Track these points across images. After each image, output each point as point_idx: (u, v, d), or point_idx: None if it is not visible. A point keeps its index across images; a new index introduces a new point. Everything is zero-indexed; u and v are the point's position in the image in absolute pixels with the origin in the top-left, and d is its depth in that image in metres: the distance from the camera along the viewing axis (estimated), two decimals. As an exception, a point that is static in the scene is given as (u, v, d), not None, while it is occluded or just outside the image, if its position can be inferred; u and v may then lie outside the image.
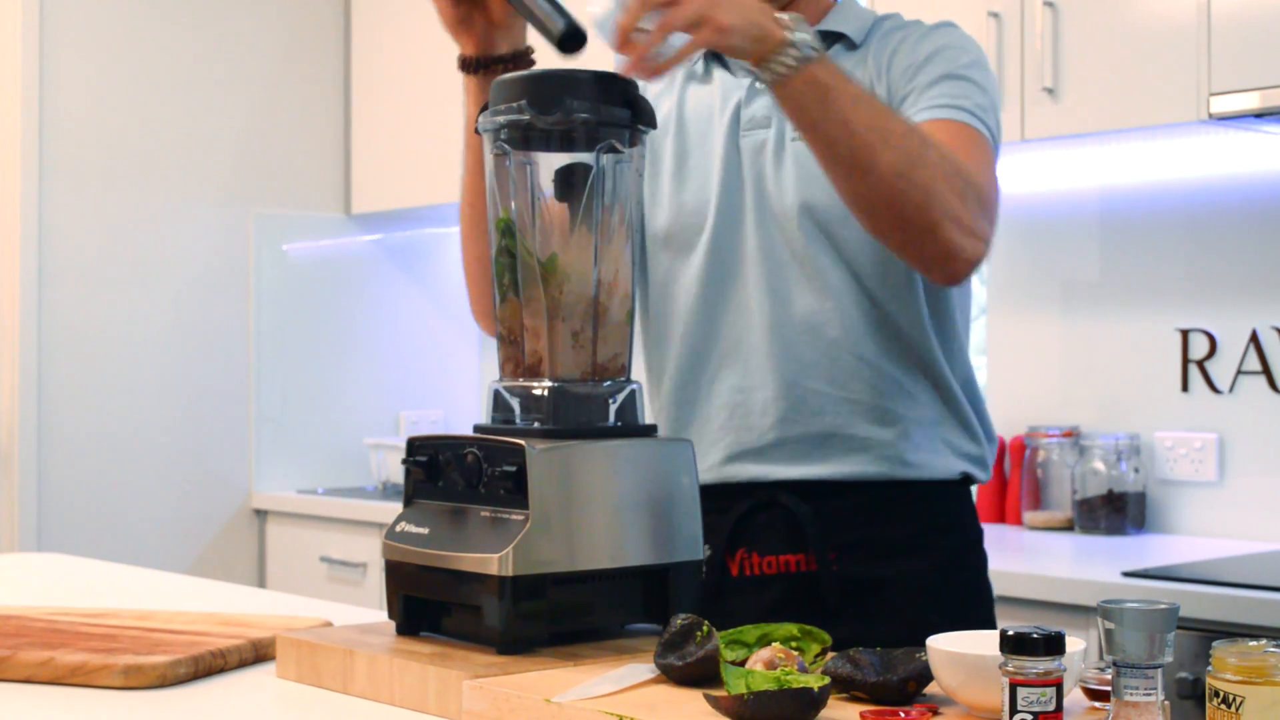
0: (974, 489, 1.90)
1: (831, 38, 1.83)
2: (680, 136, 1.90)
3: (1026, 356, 3.44)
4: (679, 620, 1.37)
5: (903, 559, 1.79)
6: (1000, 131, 1.79)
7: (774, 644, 1.37)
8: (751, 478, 1.81)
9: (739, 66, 1.88)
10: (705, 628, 1.35)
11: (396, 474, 4.18)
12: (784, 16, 1.55)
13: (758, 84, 1.80)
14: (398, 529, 1.58)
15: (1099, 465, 3.18)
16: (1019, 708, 1.11)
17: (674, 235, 1.88)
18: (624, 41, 1.50)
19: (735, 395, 1.83)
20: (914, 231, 1.61)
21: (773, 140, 1.82)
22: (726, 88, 1.89)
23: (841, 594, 1.77)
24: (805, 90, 1.55)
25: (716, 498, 1.80)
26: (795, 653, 1.35)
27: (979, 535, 1.88)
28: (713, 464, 1.84)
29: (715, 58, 1.92)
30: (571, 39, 1.57)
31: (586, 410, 1.55)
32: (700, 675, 1.32)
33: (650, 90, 1.95)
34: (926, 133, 1.64)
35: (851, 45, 1.84)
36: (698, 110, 1.90)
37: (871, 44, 1.83)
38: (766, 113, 1.83)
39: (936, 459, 1.81)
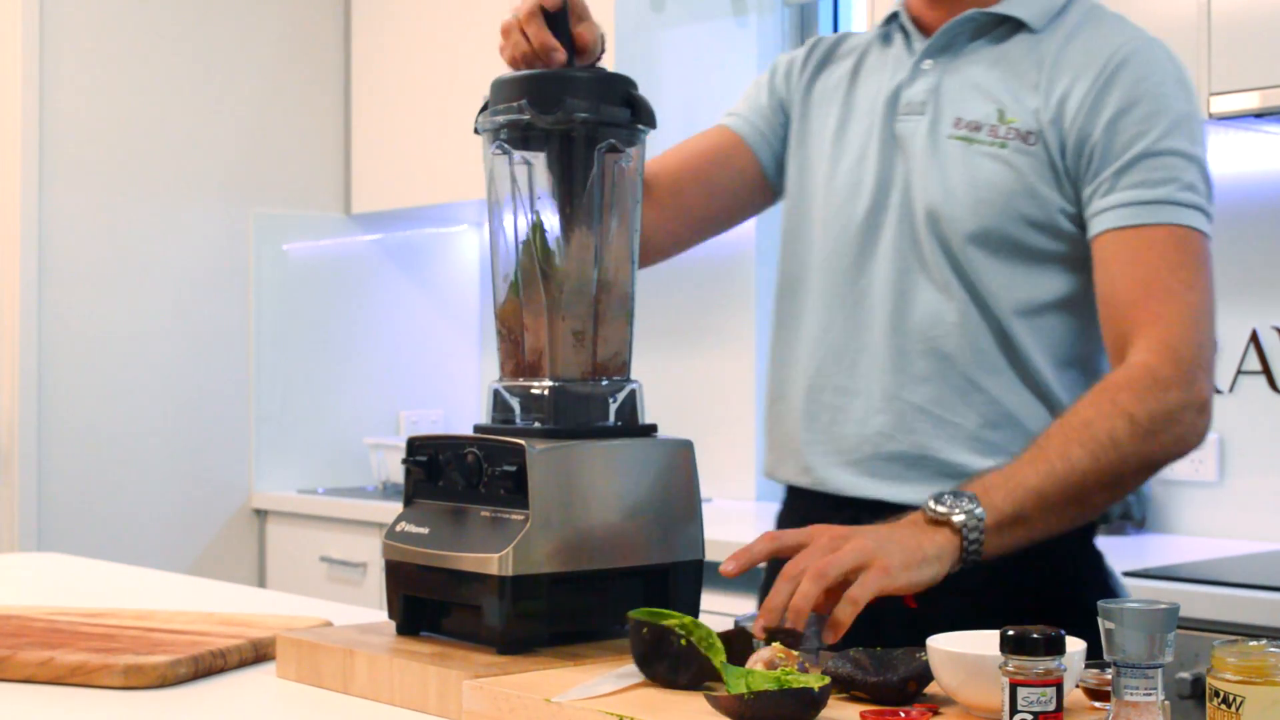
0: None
1: (1008, 23, 1.73)
2: (846, 105, 1.81)
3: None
4: (644, 630, 1.33)
5: (987, 598, 1.59)
6: (1210, 187, 1.66)
7: (774, 644, 1.37)
8: (839, 489, 1.73)
9: (916, 38, 1.78)
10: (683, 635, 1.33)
11: (397, 474, 4.18)
12: (938, 508, 1.49)
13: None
14: (398, 529, 1.58)
15: (1099, 465, 3.17)
16: (1019, 708, 1.11)
17: (821, 209, 1.79)
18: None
19: (839, 398, 1.74)
20: (1152, 476, 1.61)
21: (925, 130, 1.71)
22: (898, 61, 1.78)
23: (911, 633, 1.58)
24: (1005, 543, 1.51)
25: (805, 506, 1.76)
26: (795, 653, 1.35)
27: (1096, 564, 1.77)
28: (806, 467, 1.76)
29: (900, 28, 1.81)
30: None
31: (587, 410, 1.55)
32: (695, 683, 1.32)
33: (840, 50, 1.87)
34: (1090, 421, 1.56)
35: (1029, 30, 1.71)
36: (868, 80, 1.80)
37: (1054, 35, 1.70)
38: (924, 98, 1.73)
39: None
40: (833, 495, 1.74)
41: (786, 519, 1.83)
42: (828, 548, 1.43)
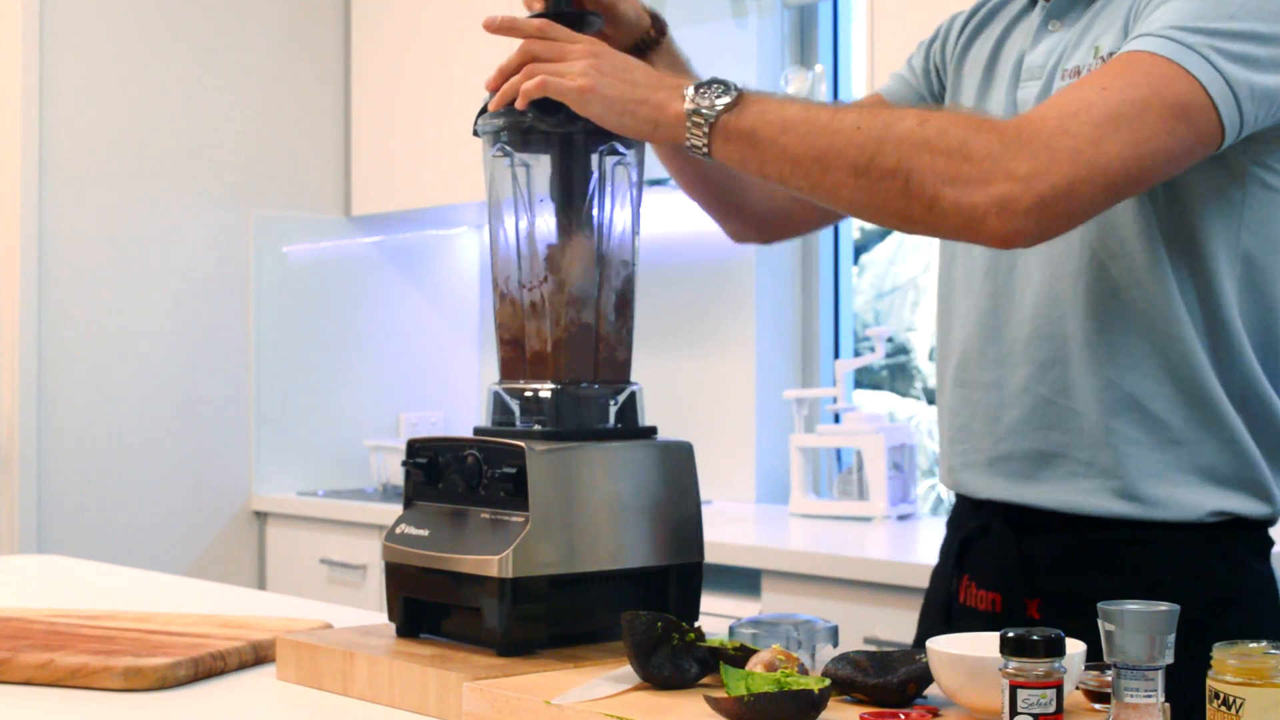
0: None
1: None
2: (988, 73, 1.68)
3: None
4: (640, 622, 1.34)
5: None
6: (1243, 46, 1.39)
7: (774, 645, 1.37)
8: (972, 492, 1.63)
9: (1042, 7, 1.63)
10: (680, 631, 1.34)
11: (397, 476, 4.18)
12: (688, 88, 1.46)
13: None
14: (398, 531, 1.58)
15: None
16: (1019, 709, 1.11)
17: None
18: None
19: (990, 393, 1.60)
20: (916, 213, 1.38)
21: (1036, 95, 1.57)
22: (1029, 28, 1.64)
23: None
24: (732, 149, 1.45)
25: (956, 508, 1.70)
26: (795, 655, 1.35)
27: (1250, 590, 1.53)
28: (951, 468, 1.66)
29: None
30: None
31: (587, 412, 1.56)
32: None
33: (1000, 14, 1.72)
34: (891, 107, 1.47)
35: None
36: (1009, 48, 1.67)
37: None
38: (1043, 61, 1.58)
39: (1177, 493, 1.50)
40: (969, 498, 1.66)
41: (952, 523, 1.73)
42: (568, 52, 1.51)
